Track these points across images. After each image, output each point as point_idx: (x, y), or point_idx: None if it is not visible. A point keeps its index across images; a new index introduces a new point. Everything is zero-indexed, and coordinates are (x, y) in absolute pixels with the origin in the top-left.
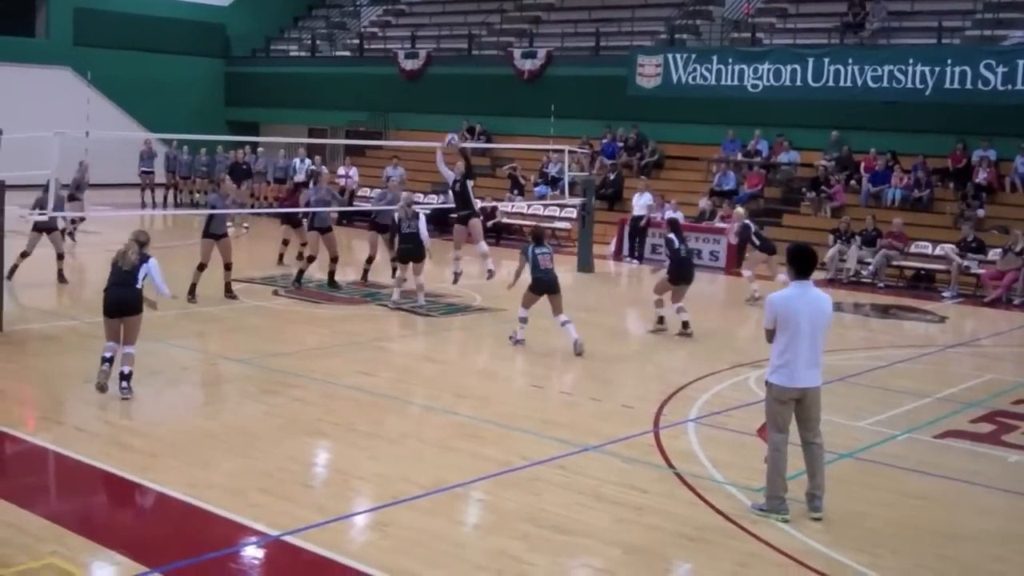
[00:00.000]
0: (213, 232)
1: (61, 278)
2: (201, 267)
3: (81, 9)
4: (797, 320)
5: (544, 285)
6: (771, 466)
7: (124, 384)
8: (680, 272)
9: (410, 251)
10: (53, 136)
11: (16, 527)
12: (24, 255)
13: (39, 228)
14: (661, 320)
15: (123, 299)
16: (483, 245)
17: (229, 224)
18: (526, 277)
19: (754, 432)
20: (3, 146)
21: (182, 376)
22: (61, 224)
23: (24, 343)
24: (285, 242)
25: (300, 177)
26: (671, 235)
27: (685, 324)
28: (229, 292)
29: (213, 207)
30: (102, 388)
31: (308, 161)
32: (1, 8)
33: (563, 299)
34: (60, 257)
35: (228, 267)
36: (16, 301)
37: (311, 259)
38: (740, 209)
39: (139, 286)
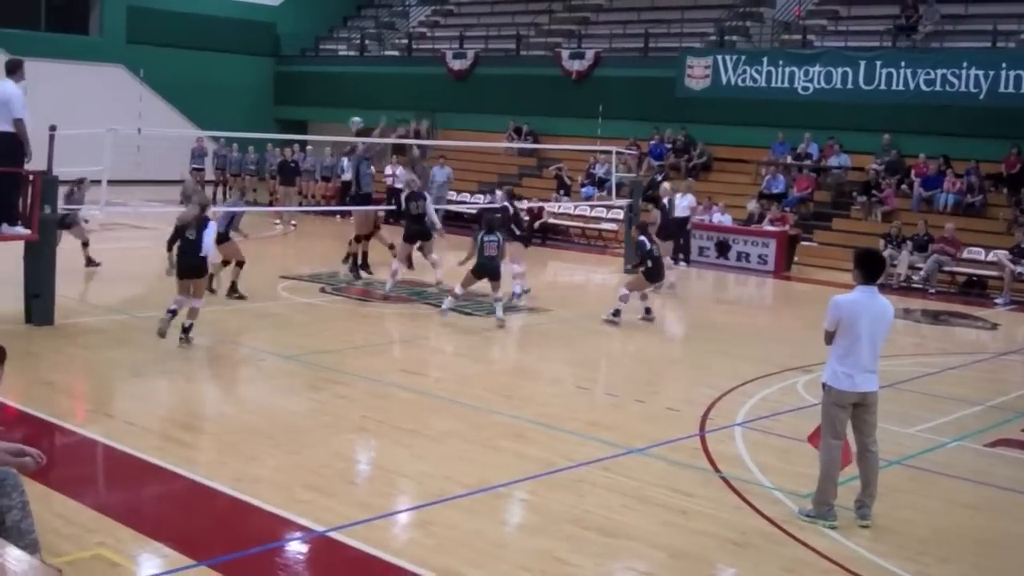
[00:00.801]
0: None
1: (90, 263)
2: (240, 264)
3: (134, 8)
4: (860, 324)
5: (485, 270)
6: (824, 472)
7: (183, 335)
8: (657, 271)
9: (418, 232)
10: (106, 133)
11: (65, 518)
12: None
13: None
14: (648, 311)
15: (191, 266)
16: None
17: (276, 222)
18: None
19: (802, 437)
20: (56, 142)
21: (230, 372)
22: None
23: (76, 336)
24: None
25: (347, 176)
26: (642, 237)
27: (648, 310)
28: (234, 291)
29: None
30: (162, 334)
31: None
32: (56, 7)
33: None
34: (85, 245)
35: (240, 264)
36: (68, 295)
37: (361, 239)
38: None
39: (203, 254)
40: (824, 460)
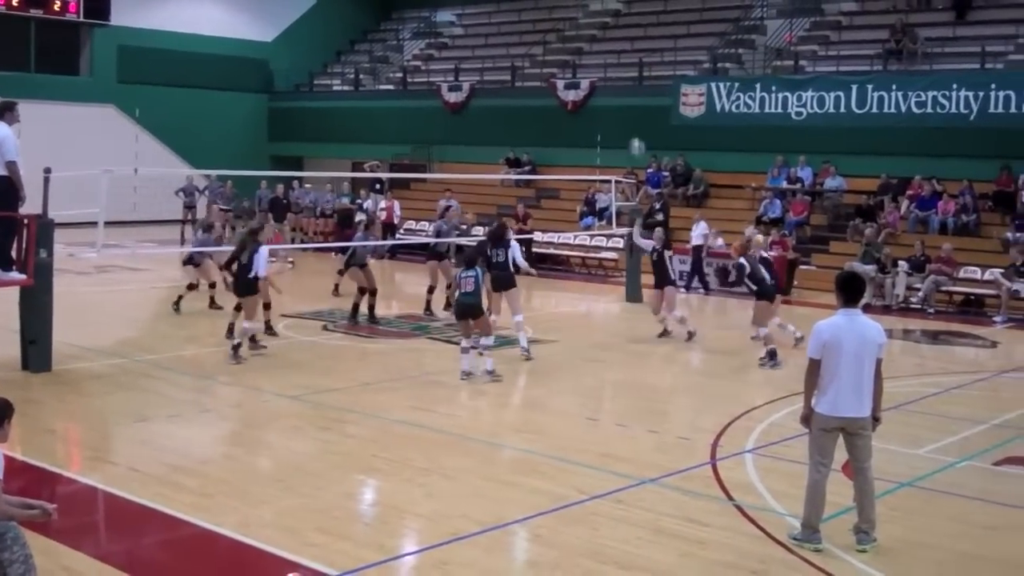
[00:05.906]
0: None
1: (213, 304)
2: (267, 306)
3: (124, 47)
4: (841, 347)
5: (462, 309)
6: (807, 496)
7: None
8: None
9: (501, 280)
10: (102, 174)
11: (69, 569)
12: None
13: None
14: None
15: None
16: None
17: (272, 259)
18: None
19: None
20: (51, 184)
21: (234, 414)
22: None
23: (74, 382)
24: (341, 272)
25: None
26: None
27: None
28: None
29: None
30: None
31: (368, 202)
32: (45, 48)
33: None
34: (212, 286)
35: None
36: (64, 340)
37: (363, 291)
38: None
39: (252, 275)
40: (808, 484)
